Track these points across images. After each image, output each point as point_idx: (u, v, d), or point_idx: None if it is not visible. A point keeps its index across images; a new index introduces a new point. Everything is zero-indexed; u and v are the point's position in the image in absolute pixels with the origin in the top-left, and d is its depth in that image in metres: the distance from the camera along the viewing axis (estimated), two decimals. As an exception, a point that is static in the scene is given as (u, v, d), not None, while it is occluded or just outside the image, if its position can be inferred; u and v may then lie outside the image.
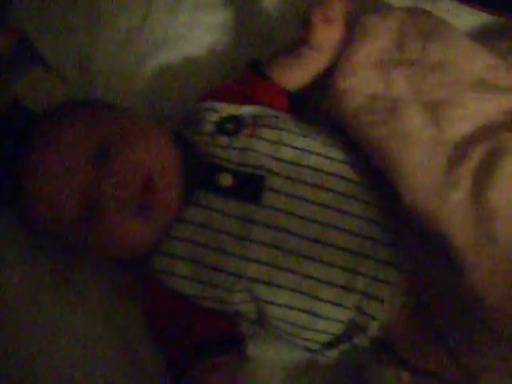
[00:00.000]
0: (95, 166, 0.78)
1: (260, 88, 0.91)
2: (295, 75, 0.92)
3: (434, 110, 0.81)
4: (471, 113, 0.80)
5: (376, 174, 0.81)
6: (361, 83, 0.84)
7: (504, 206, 0.74)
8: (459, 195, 0.75)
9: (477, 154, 0.77)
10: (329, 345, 0.82)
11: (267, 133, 0.84)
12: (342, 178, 0.82)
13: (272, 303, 0.79)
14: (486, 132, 0.79)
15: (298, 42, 0.91)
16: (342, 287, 0.78)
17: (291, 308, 0.79)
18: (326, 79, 0.88)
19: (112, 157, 0.79)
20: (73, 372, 0.87)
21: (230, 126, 0.86)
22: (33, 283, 0.91)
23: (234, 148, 0.84)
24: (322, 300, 0.78)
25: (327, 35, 0.88)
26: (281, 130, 0.85)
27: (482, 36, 0.95)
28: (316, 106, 0.90)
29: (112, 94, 1.00)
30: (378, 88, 0.84)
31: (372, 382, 0.83)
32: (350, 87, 0.84)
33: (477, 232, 0.73)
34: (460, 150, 0.78)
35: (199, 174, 0.82)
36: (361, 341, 0.81)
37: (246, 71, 0.94)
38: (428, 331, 0.79)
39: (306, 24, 0.87)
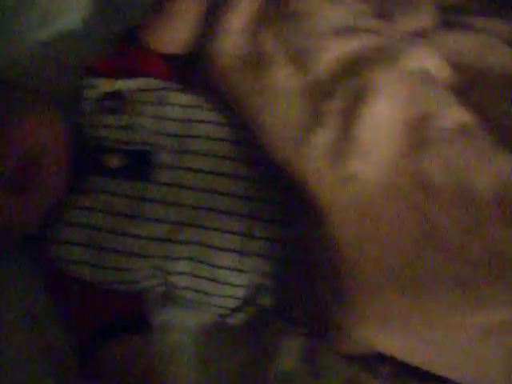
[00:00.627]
0: None
1: (137, 58, 0.89)
2: (168, 35, 0.90)
3: (300, 58, 0.79)
4: (335, 53, 0.79)
5: None
6: (230, 47, 0.83)
7: (368, 142, 0.73)
8: (320, 138, 0.74)
9: (340, 93, 0.76)
10: (236, 309, 0.83)
11: (151, 109, 0.83)
12: (229, 141, 0.81)
13: (175, 275, 0.80)
14: (351, 70, 0.77)
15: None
16: (238, 252, 0.79)
17: (194, 276, 0.80)
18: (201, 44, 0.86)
19: None
20: None
21: (111, 104, 0.84)
22: None
23: (118, 126, 0.82)
24: (220, 267, 0.79)
25: None
26: (164, 104, 0.84)
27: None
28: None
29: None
30: (246, 50, 0.82)
31: (273, 335, 0.84)
32: (219, 51, 0.83)
33: (335, 172, 0.72)
34: (324, 92, 0.76)
35: (86, 157, 0.81)
36: (264, 301, 0.81)
37: (122, 42, 0.92)
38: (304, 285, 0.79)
39: None
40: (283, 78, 0.78)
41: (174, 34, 0.90)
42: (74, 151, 0.82)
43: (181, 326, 0.89)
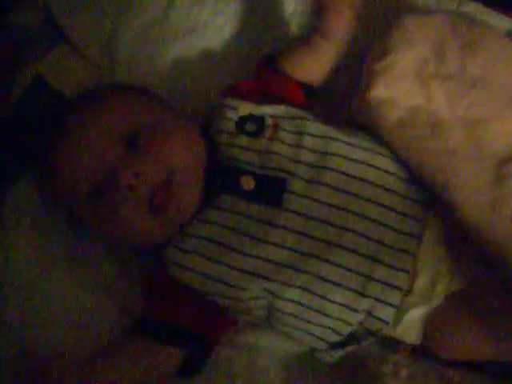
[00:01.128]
0: (122, 152, 0.80)
1: (276, 83, 0.92)
2: (308, 67, 0.92)
3: (473, 127, 0.81)
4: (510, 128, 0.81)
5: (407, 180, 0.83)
6: (402, 95, 0.84)
7: None
8: (507, 211, 0.77)
9: None
10: (336, 345, 0.84)
11: (288, 136, 0.85)
12: (362, 180, 0.82)
13: (284, 300, 0.80)
14: None
15: (310, 33, 0.91)
16: (355, 291, 0.79)
17: (302, 305, 0.80)
18: (359, 88, 0.88)
19: (140, 147, 0.80)
20: (75, 341, 0.89)
21: (250, 127, 0.86)
22: (42, 253, 0.93)
23: (255, 150, 0.84)
24: (333, 302, 0.79)
25: (338, 23, 0.88)
26: (301, 133, 0.85)
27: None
28: (349, 115, 0.89)
29: (134, 79, 1.00)
30: (418, 101, 0.84)
31: (369, 379, 0.84)
32: (390, 98, 0.84)
33: None
34: (504, 167, 0.79)
35: (221, 176, 0.83)
36: (369, 343, 0.82)
37: (259, 67, 0.94)
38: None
39: (318, 11, 0.87)
40: (461, 142, 0.80)
41: (313, 65, 0.92)
42: (208, 169, 0.84)
43: (270, 351, 0.89)
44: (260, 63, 0.95)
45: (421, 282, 0.81)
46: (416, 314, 0.81)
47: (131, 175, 0.79)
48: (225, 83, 0.97)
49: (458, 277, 0.82)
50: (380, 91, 0.84)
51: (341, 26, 0.88)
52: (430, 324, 0.82)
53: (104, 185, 0.80)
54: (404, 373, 0.82)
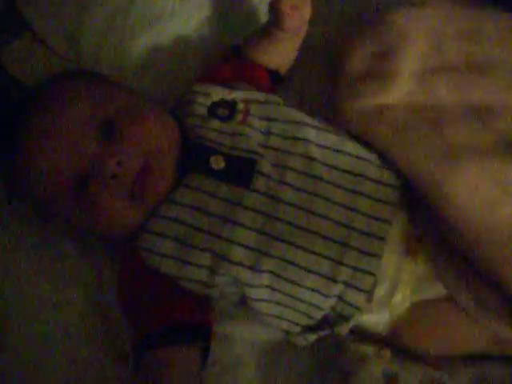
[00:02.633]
0: (100, 142, 0.80)
1: (245, 67, 0.93)
2: (271, 56, 0.94)
3: (482, 114, 0.81)
4: None
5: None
6: (402, 96, 0.84)
7: None
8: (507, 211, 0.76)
9: None
10: (309, 328, 0.83)
11: (258, 121, 0.85)
12: (330, 165, 0.82)
13: (255, 286, 0.79)
14: None
15: (270, 25, 0.92)
16: (326, 276, 0.79)
17: (273, 290, 0.80)
18: (353, 90, 0.86)
19: (117, 134, 0.80)
20: (46, 337, 0.88)
21: (222, 111, 0.86)
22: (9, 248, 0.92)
23: (226, 132, 0.84)
24: (304, 287, 0.79)
25: (296, 21, 0.89)
26: (271, 118, 0.85)
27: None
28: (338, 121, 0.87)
29: (100, 69, 0.98)
30: (420, 99, 0.83)
31: (351, 361, 0.83)
32: (391, 102, 0.83)
33: None
34: None
35: (192, 156, 0.83)
36: (342, 329, 0.81)
37: (227, 54, 0.96)
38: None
39: (275, 11, 0.88)
40: (466, 135, 0.79)
41: (275, 54, 0.94)
42: (180, 150, 0.84)
43: (245, 338, 0.88)
44: (226, 52, 0.96)
45: (381, 290, 0.81)
46: (373, 319, 0.82)
47: (114, 164, 0.78)
48: (193, 71, 0.98)
49: (422, 287, 0.81)
50: (380, 98, 0.84)
51: (298, 23, 0.90)
52: (395, 325, 0.82)
53: (86, 174, 0.79)
54: (387, 354, 0.81)
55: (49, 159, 0.80)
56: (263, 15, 1.01)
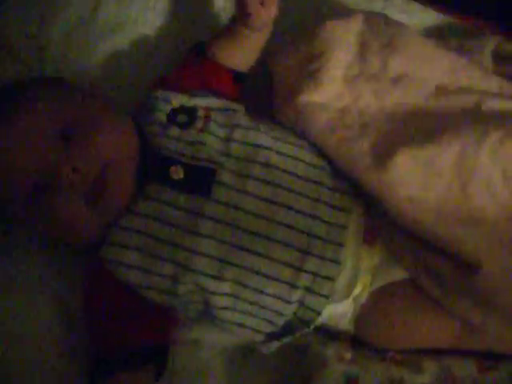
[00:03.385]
0: (57, 147, 0.79)
1: (205, 68, 0.92)
2: (236, 55, 0.94)
3: (400, 121, 0.84)
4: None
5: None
6: (330, 97, 0.86)
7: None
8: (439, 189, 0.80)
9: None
10: (272, 336, 0.84)
11: (218, 128, 0.85)
12: (291, 173, 0.83)
13: (217, 295, 0.80)
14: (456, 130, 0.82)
15: (235, 22, 0.92)
16: (287, 283, 0.80)
17: (236, 298, 0.81)
18: (287, 92, 0.89)
19: (75, 141, 0.80)
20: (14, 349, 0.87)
21: (182, 118, 0.86)
22: None
23: (185, 141, 0.84)
24: (266, 294, 0.80)
25: (264, 17, 0.88)
26: (232, 126, 0.86)
27: (433, 33, 0.99)
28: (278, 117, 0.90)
29: (63, 74, 0.98)
30: (347, 101, 0.86)
31: (312, 364, 0.85)
32: (319, 102, 0.86)
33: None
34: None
35: (151, 166, 0.83)
36: (303, 333, 0.83)
37: (190, 54, 0.95)
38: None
39: (242, 7, 0.88)
40: (393, 133, 0.83)
41: (239, 52, 0.94)
42: (140, 158, 0.84)
43: (212, 344, 0.89)
44: (189, 51, 0.96)
45: (342, 279, 0.82)
46: (338, 310, 0.84)
47: (70, 170, 0.78)
48: (156, 76, 0.97)
49: (381, 273, 0.83)
50: (310, 95, 0.86)
51: (265, 20, 0.89)
52: (359, 315, 0.84)
53: (44, 180, 0.79)
54: (347, 356, 0.84)
55: (6, 164, 0.79)
56: (224, 22, 1.00)
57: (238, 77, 0.94)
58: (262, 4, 0.87)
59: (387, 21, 0.92)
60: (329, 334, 0.88)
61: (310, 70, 0.87)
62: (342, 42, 0.89)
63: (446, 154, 0.79)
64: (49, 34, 0.99)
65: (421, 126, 0.83)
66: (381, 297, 0.83)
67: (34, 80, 0.91)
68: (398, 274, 0.83)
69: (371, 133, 0.83)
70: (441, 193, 0.79)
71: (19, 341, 0.87)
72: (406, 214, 0.79)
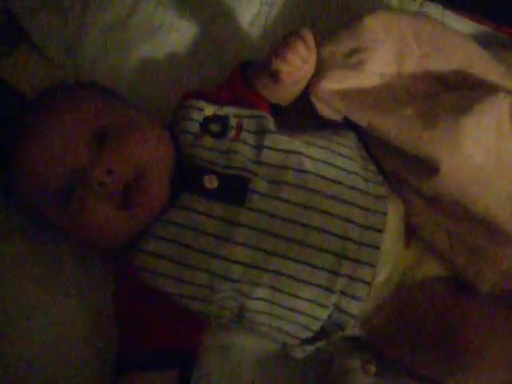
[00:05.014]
0: (91, 150, 0.80)
1: (246, 95, 0.91)
2: (273, 94, 0.91)
3: None
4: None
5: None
6: (375, 79, 0.88)
7: None
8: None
9: None
10: (306, 341, 0.84)
11: (251, 136, 0.85)
12: (324, 178, 0.83)
13: (253, 300, 0.80)
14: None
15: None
16: (323, 287, 0.80)
17: (272, 303, 0.81)
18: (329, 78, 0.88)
19: (109, 145, 0.80)
20: (41, 352, 0.88)
21: (214, 128, 0.86)
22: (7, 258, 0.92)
23: (218, 150, 0.84)
24: (302, 299, 0.80)
25: (304, 74, 0.86)
26: (264, 133, 0.85)
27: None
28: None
29: (97, 80, 0.98)
30: (390, 78, 0.88)
31: (338, 374, 0.86)
32: (364, 86, 0.87)
33: None
34: None
35: (185, 175, 0.83)
36: (337, 338, 0.83)
37: (234, 76, 0.93)
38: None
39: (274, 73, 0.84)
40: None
41: (282, 94, 0.91)
42: (174, 168, 0.84)
43: (241, 349, 0.90)
44: (234, 73, 0.94)
45: (380, 277, 0.83)
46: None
47: (103, 173, 0.78)
48: (188, 85, 0.98)
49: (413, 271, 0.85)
50: (353, 83, 0.87)
51: (304, 75, 0.87)
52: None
53: (75, 183, 0.79)
54: (372, 369, 0.83)
55: (38, 166, 0.80)
56: (254, 36, 1.01)
57: (274, 108, 0.92)
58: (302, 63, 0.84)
59: (435, 26, 0.89)
60: (352, 341, 0.87)
61: (354, 61, 0.87)
62: (384, 40, 0.87)
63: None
64: (83, 40, 1.00)
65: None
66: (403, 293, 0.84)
67: (73, 84, 0.93)
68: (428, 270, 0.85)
69: (415, 101, 0.84)
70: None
71: (48, 343, 0.89)
72: (457, 173, 0.79)
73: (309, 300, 0.80)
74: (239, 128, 0.86)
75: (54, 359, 0.88)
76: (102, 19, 1.01)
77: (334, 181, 0.83)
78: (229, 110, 0.88)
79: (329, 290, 0.80)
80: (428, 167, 0.80)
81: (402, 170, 0.85)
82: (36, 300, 0.90)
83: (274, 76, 0.85)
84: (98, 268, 0.93)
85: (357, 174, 0.85)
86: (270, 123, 0.87)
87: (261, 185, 0.82)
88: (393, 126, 0.82)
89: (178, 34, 1.01)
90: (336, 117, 0.90)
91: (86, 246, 0.91)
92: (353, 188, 0.83)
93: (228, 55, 1.01)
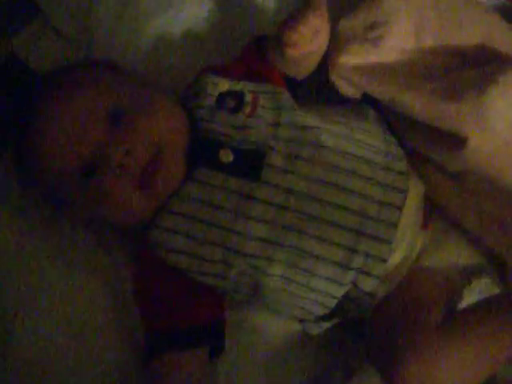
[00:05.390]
0: (108, 128, 0.79)
1: (261, 69, 0.90)
2: (289, 66, 0.89)
3: None
4: None
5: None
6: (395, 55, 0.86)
7: None
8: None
9: None
10: (323, 317, 0.84)
11: (266, 112, 0.84)
12: (342, 152, 0.82)
13: (269, 276, 0.80)
14: None
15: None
16: (340, 264, 0.79)
17: (287, 279, 0.80)
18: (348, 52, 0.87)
19: (126, 124, 0.79)
20: (53, 329, 0.88)
21: (230, 103, 0.85)
22: (21, 236, 0.92)
23: (234, 126, 0.83)
24: (319, 276, 0.80)
25: (316, 46, 0.84)
26: (280, 108, 0.84)
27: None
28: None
29: (111, 55, 0.98)
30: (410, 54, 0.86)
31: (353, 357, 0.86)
32: (384, 61, 0.86)
33: None
34: None
35: (200, 150, 0.82)
36: (353, 315, 0.82)
37: (249, 49, 0.92)
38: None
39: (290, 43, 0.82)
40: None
41: (297, 66, 0.90)
42: (189, 142, 0.83)
43: (255, 329, 0.89)
44: (249, 47, 0.92)
45: (397, 256, 0.82)
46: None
47: (122, 153, 0.78)
48: (204, 59, 0.96)
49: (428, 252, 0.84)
50: (372, 56, 0.86)
51: (319, 46, 0.85)
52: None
53: (93, 162, 0.79)
54: None
55: (55, 145, 0.80)
56: (273, 5, 0.99)
57: (290, 82, 0.91)
58: (314, 34, 0.82)
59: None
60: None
61: (371, 36, 0.86)
62: (404, 13, 0.86)
63: None
64: (97, 15, 0.98)
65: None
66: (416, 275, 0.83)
67: (88, 62, 0.92)
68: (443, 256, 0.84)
69: (437, 76, 0.83)
70: None
71: (76, 328, 0.89)
72: (484, 146, 0.78)
73: (326, 278, 0.79)
74: (255, 103, 0.85)
75: (69, 341, 0.88)
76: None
77: (352, 156, 0.82)
78: (245, 85, 0.87)
79: (346, 267, 0.79)
80: (454, 142, 0.79)
81: (425, 146, 0.84)
82: (53, 281, 0.90)
83: (283, 48, 0.83)
84: (117, 249, 0.92)
85: (376, 148, 0.84)
86: (286, 98, 0.86)
87: (277, 160, 0.81)
88: (417, 101, 0.81)
89: (193, 7, 0.99)
90: (355, 93, 0.88)
91: (103, 222, 0.91)
92: (372, 163, 0.82)
93: (244, 28, 0.99)
